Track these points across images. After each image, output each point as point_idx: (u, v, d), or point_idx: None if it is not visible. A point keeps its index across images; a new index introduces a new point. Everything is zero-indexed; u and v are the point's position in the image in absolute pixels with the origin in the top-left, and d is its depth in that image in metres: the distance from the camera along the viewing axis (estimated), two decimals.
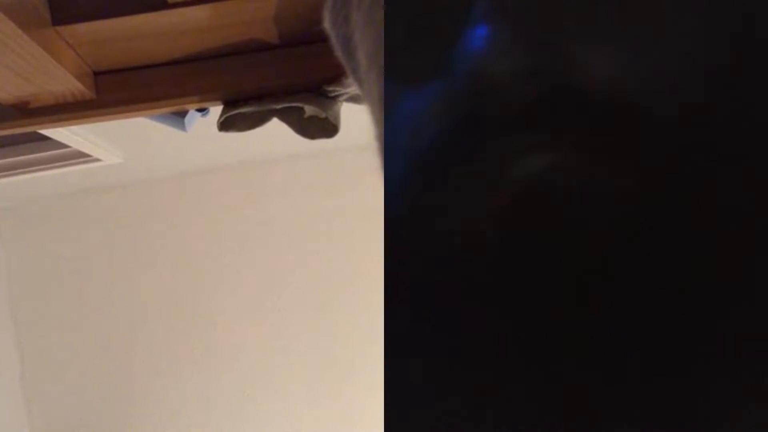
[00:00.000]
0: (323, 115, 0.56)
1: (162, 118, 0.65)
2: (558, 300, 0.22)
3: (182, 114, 0.65)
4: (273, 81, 0.58)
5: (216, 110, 0.62)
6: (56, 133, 1.11)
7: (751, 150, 0.21)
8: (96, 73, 0.59)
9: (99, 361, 1.87)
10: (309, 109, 0.56)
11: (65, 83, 0.55)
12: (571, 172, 0.22)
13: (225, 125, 0.59)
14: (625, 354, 0.21)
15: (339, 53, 0.36)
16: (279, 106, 0.56)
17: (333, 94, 0.56)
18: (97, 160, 1.34)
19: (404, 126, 0.25)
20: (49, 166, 1.28)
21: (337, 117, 0.57)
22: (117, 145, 1.38)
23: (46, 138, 1.16)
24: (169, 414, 1.89)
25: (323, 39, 0.38)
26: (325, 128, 0.58)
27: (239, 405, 1.90)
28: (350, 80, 0.37)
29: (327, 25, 0.36)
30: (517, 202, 0.22)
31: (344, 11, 0.34)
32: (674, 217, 0.21)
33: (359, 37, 0.32)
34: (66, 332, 1.86)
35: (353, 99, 0.58)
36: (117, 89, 0.60)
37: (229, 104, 0.59)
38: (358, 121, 0.46)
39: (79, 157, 1.29)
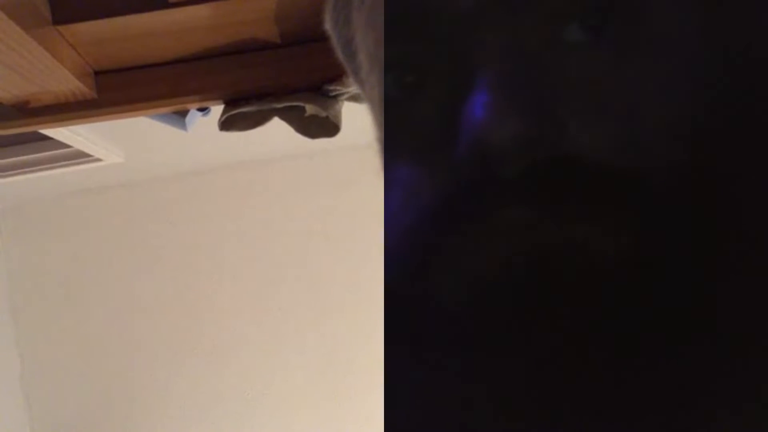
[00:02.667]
0: (324, 114, 0.56)
1: (163, 118, 0.65)
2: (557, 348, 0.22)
3: (183, 113, 0.65)
4: (274, 80, 0.58)
5: (217, 109, 0.62)
6: (57, 132, 1.11)
7: (745, 201, 0.22)
8: (97, 73, 0.59)
9: (100, 361, 1.87)
10: (310, 108, 0.56)
11: (66, 83, 0.54)
12: (563, 236, 0.22)
13: (226, 124, 0.59)
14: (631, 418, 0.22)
15: (340, 55, 0.36)
16: (280, 105, 0.56)
17: (334, 93, 0.56)
18: (98, 159, 1.34)
19: (399, 185, 0.25)
20: (50, 166, 1.28)
21: (338, 116, 0.57)
22: (118, 145, 1.38)
23: (47, 138, 1.16)
24: (170, 413, 1.89)
25: (324, 38, 0.38)
26: (326, 127, 0.58)
27: (240, 404, 1.90)
28: (351, 81, 0.37)
29: (328, 26, 0.36)
30: (516, 271, 0.23)
31: (345, 12, 0.34)
32: (667, 273, 0.22)
33: (360, 39, 0.32)
34: (66, 332, 1.86)
35: (354, 98, 0.58)
36: (118, 89, 0.59)
37: (230, 103, 0.59)
38: (359, 121, 0.46)
39: (81, 156, 1.29)
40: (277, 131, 0.66)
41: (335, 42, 0.36)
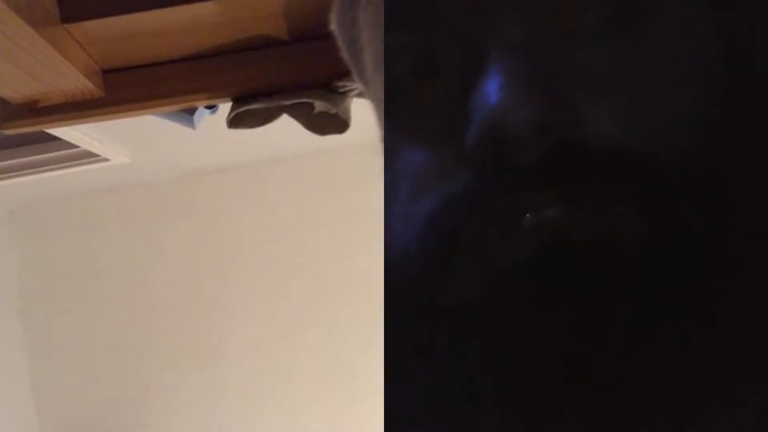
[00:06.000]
0: (333, 111, 0.56)
1: (171, 116, 0.65)
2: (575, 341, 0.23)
3: (191, 111, 0.65)
4: (282, 77, 0.58)
5: (225, 107, 0.62)
6: (64, 133, 1.11)
7: (748, 188, 0.23)
8: (105, 71, 0.59)
9: (107, 360, 1.87)
10: (319, 105, 0.56)
11: (75, 81, 0.54)
12: (581, 224, 0.22)
13: (234, 122, 0.59)
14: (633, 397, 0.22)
15: (345, 55, 0.37)
16: (288, 102, 0.56)
17: (343, 90, 0.56)
18: (105, 159, 1.34)
19: (409, 175, 0.25)
20: (58, 166, 1.28)
21: (347, 112, 0.56)
22: (124, 145, 1.38)
23: (54, 138, 1.16)
24: (178, 410, 1.89)
25: (332, 34, 0.38)
26: (336, 124, 0.57)
27: (248, 402, 1.90)
28: (356, 80, 0.37)
29: (334, 27, 0.37)
30: (531, 255, 0.23)
31: (351, 13, 0.34)
32: (678, 257, 0.22)
33: (366, 39, 0.33)
34: (75, 332, 1.86)
35: (363, 95, 0.58)
36: (126, 87, 0.59)
37: (238, 101, 0.59)
38: (368, 119, 0.46)
39: (88, 157, 1.29)
40: (284, 129, 0.65)
41: (341, 42, 0.36)
